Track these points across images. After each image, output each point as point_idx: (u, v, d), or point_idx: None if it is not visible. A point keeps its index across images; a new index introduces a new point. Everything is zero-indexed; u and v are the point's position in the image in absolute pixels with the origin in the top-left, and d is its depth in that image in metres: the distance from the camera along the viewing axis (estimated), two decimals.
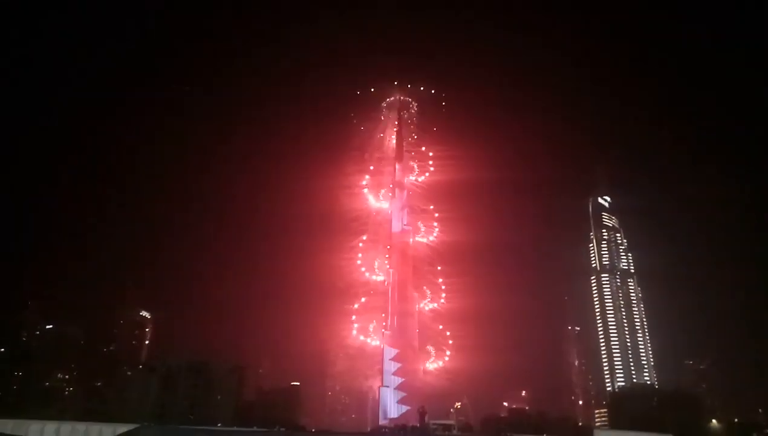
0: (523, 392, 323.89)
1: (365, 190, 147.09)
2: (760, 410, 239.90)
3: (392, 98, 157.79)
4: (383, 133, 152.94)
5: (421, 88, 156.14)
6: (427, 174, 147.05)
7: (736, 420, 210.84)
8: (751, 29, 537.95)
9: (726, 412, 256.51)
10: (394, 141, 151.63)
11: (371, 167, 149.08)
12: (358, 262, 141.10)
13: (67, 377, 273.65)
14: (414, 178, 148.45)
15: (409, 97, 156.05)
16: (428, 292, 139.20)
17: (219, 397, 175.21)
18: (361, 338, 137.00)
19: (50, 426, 58.49)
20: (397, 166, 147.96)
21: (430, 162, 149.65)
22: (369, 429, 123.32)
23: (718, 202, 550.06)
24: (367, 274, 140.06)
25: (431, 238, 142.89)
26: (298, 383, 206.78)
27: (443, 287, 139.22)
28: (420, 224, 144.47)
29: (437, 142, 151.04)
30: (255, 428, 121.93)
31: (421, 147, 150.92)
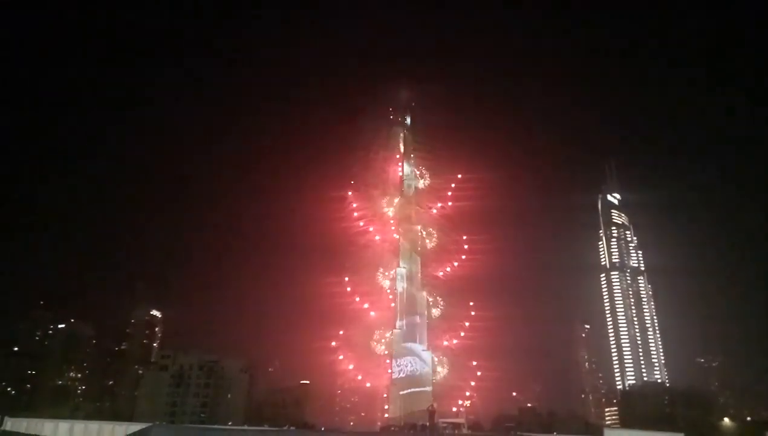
0: (534, 390, 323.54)
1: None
2: None
3: (399, 97, 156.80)
4: (387, 135, 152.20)
5: (424, 93, 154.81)
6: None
7: (748, 418, 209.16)
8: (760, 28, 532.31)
9: (738, 410, 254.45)
10: (402, 146, 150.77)
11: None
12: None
13: (79, 375, 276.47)
14: (422, 184, 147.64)
15: (416, 98, 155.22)
16: (439, 300, 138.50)
17: (230, 396, 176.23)
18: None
19: (63, 425, 59.13)
20: (401, 166, 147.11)
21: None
22: (378, 428, 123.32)
23: (728, 199, 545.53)
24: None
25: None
26: (307, 382, 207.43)
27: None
28: (422, 229, 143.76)
29: (444, 142, 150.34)
30: (266, 427, 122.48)
31: (427, 149, 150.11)
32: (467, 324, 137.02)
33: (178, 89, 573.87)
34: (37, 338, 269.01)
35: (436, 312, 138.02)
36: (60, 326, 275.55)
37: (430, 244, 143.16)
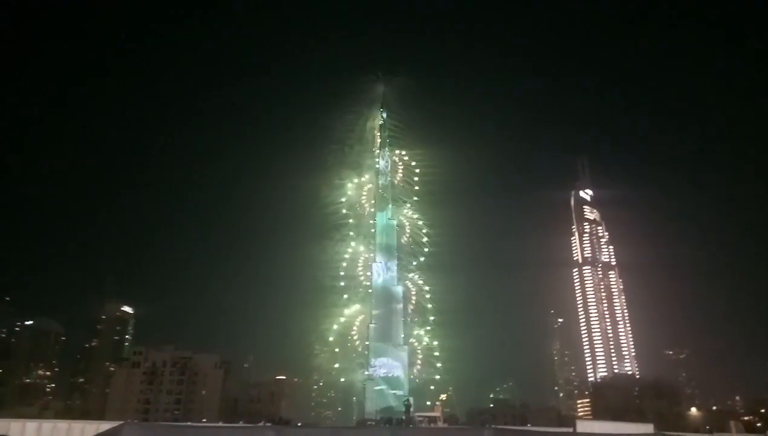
0: (508, 383, 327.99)
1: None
2: (737, 398, 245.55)
3: (376, 88, 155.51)
4: (365, 128, 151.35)
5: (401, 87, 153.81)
6: (428, 186, 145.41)
7: (714, 408, 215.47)
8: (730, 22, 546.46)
9: (704, 400, 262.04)
10: (378, 138, 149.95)
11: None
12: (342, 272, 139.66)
13: (48, 373, 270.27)
14: (398, 178, 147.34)
15: (393, 91, 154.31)
16: (413, 289, 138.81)
17: (204, 392, 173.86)
18: None
19: (31, 425, 57.19)
20: (377, 160, 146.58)
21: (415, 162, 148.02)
22: (354, 422, 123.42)
23: (696, 196, 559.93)
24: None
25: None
26: (283, 377, 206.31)
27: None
28: (403, 219, 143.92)
29: (420, 137, 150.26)
30: (241, 423, 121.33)
31: (403, 143, 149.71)
32: (443, 319, 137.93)
33: (150, 84, 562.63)
34: (3, 335, 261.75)
35: (411, 308, 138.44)
36: (27, 322, 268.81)
37: (405, 239, 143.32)
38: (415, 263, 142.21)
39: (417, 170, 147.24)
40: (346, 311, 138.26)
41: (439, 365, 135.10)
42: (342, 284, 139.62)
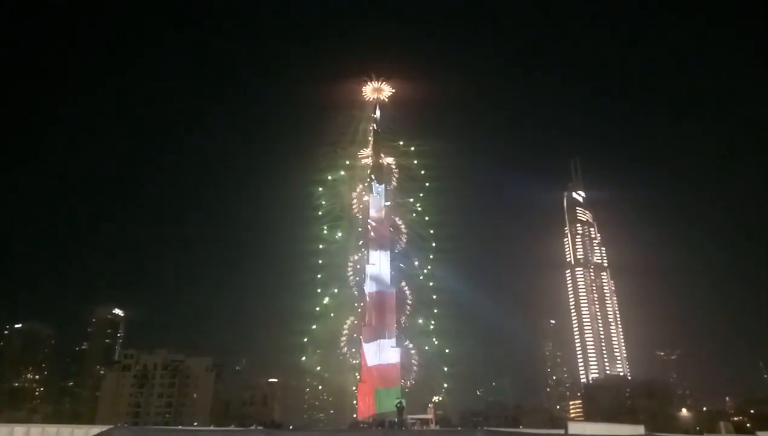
0: (501, 384, 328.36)
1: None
2: (727, 398, 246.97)
3: (367, 89, 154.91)
4: (357, 129, 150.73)
5: (393, 89, 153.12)
6: (422, 189, 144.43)
7: (704, 408, 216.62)
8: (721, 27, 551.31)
9: (695, 400, 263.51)
10: (371, 140, 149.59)
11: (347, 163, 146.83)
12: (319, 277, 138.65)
13: (37, 377, 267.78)
14: (393, 182, 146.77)
15: (385, 93, 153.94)
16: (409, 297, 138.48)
17: (195, 395, 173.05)
18: None
19: (19, 429, 56.29)
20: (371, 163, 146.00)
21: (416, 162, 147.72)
22: (347, 425, 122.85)
23: (687, 198, 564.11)
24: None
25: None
26: (275, 380, 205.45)
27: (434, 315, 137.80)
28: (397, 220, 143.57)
29: (412, 139, 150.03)
30: (232, 427, 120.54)
31: (396, 145, 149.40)
32: (435, 316, 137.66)
33: (138, 86, 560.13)
34: None
35: (407, 310, 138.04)
36: (17, 325, 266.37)
37: (399, 240, 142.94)
38: (408, 264, 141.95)
39: (410, 172, 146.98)
40: (338, 313, 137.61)
41: (435, 366, 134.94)
42: (334, 286, 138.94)
